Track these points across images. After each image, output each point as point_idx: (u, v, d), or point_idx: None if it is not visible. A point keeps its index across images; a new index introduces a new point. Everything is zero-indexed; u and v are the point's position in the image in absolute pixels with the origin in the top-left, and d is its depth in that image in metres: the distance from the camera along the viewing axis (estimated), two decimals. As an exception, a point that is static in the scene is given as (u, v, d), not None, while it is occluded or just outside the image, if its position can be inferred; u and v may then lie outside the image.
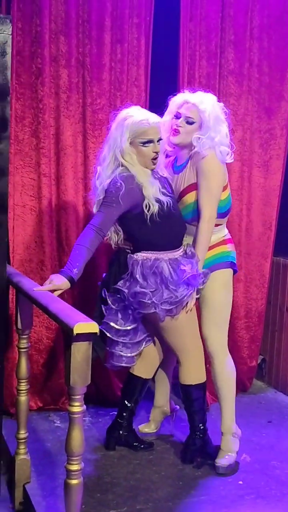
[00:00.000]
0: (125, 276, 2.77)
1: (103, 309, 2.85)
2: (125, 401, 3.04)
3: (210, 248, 2.87)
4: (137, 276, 2.71)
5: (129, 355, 2.87)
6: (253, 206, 3.79)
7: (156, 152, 2.70)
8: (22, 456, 2.65)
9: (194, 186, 2.83)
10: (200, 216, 2.79)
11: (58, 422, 3.36)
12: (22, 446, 2.66)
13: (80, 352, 1.96)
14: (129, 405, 3.02)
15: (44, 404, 3.51)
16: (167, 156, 2.99)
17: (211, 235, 2.84)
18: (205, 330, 2.92)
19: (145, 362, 3.02)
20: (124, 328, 2.82)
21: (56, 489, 2.57)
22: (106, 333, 2.81)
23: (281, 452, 3.10)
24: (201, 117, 2.78)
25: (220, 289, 2.91)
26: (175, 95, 2.93)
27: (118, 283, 2.77)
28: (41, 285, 2.74)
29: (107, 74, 3.39)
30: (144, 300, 2.69)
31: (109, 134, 2.74)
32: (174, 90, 3.50)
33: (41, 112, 3.28)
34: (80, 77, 3.37)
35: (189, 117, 2.81)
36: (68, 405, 2.03)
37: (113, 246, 2.89)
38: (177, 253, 2.78)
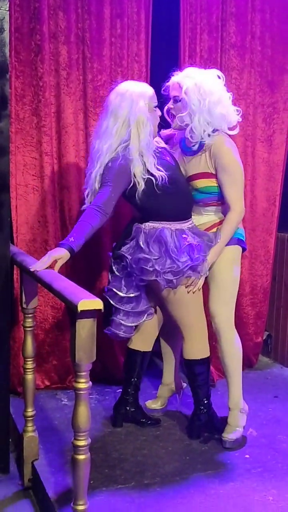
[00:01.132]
0: (128, 242, 2.80)
1: (109, 276, 2.89)
2: (128, 377, 3.05)
3: (216, 225, 2.88)
4: (141, 242, 2.74)
5: (128, 324, 2.89)
6: (257, 181, 3.76)
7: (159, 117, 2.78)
8: (30, 433, 2.68)
9: (209, 175, 2.81)
10: (231, 208, 2.80)
11: (66, 400, 3.39)
12: (29, 424, 2.68)
13: (85, 329, 1.97)
14: (132, 380, 3.04)
15: (51, 383, 3.53)
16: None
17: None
18: (213, 307, 2.92)
19: (143, 335, 3.03)
20: (127, 295, 2.84)
21: (64, 465, 2.60)
22: (109, 300, 2.85)
23: (287, 426, 3.12)
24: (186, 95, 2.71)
25: (227, 266, 2.89)
26: (175, 70, 2.88)
27: (122, 249, 2.81)
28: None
29: (107, 49, 3.34)
30: (146, 267, 2.70)
31: (111, 108, 2.69)
32: (175, 65, 3.46)
33: (41, 90, 3.24)
34: (80, 53, 3.33)
35: (175, 96, 2.78)
36: (74, 382, 2.04)
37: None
38: (185, 225, 2.80)
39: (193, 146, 2.82)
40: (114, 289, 2.86)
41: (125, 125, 2.67)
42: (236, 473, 2.65)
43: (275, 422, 3.17)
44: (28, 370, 2.65)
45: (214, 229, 2.88)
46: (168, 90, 2.83)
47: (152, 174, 2.68)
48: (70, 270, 3.44)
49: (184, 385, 3.29)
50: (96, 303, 1.93)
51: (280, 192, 3.81)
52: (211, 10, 3.50)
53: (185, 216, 2.83)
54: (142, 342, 3.04)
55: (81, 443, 2.04)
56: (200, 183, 2.85)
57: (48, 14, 3.21)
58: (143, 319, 2.94)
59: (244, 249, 2.99)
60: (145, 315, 2.94)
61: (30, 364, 2.65)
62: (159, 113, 2.79)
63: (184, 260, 2.70)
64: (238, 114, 2.83)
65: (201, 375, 2.92)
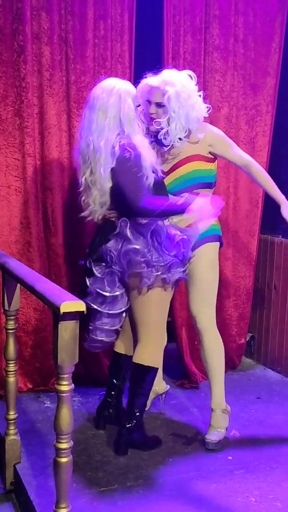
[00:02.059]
0: (111, 238, 2.71)
1: (88, 281, 2.77)
2: (113, 379, 3.04)
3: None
4: (128, 234, 2.66)
5: (111, 328, 2.80)
6: (240, 183, 3.78)
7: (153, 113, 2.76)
8: (12, 436, 2.66)
9: (193, 158, 2.83)
10: (250, 161, 2.90)
11: (48, 402, 3.37)
12: (11, 427, 2.66)
13: (68, 331, 1.95)
14: (116, 382, 3.03)
15: (34, 385, 3.51)
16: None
17: None
18: (194, 308, 2.92)
19: (126, 339, 3.01)
20: (112, 294, 2.74)
21: (46, 468, 2.58)
22: (91, 305, 2.72)
23: (270, 427, 3.14)
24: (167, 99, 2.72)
25: (207, 267, 2.90)
26: (156, 72, 2.85)
27: (106, 245, 2.71)
28: (29, 266, 2.73)
29: (90, 51, 3.34)
30: (136, 258, 2.63)
31: (99, 103, 2.63)
32: (159, 66, 3.46)
33: (24, 90, 3.23)
34: (63, 54, 3.32)
35: (158, 102, 2.76)
36: (56, 384, 2.03)
37: (96, 219, 2.80)
38: (166, 221, 2.76)
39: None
40: (98, 290, 2.74)
41: (115, 121, 2.63)
42: (219, 474, 2.65)
43: (258, 423, 3.18)
44: (10, 372, 2.63)
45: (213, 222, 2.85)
46: (147, 94, 2.79)
47: (154, 170, 2.66)
48: (54, 276, 3.43)
49: (168, 387, 3.29)
50: (79, 305, 1.92)
51: (262, 194, 3.83)
52: (195, 12, 3.51)
53: None
54: (128, 345, 3.01)
55: (63, 445, 2.03)
56: (188, 168, 2.82)
57: (31, 15, 3.20)
58: (123, 320, 2.86)
59: (221, 245, 2.99)
60: (123, 315, 2.86)
61: (12, 367, 2.63)
62: (140, 109, 2.77)
63: (170, 256, 2.68)
64: (208, 111, 2.87)
65: (145, 384, 2.80)
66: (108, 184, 2.66)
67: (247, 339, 4.12)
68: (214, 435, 2.90)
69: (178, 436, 3.01)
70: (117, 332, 2.90)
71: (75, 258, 3.47)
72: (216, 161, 2.93)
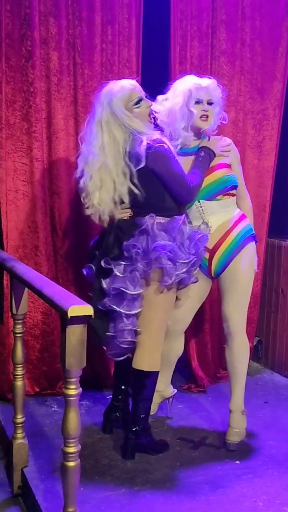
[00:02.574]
0: (135, 234, 2.69)
1: (103, 282, 2.72)
2: (118, 384, 3.04)
3: (237, 222, 2.92)
4: (156, 230, 2.67)
5: (133, 328, 2.74)
6: (247, 188, 3.76)
7: (150, 106, 2.76)
8: (20, 440, 2.66)
9: (225, 165, 2.94)
10: (247, 197, 3.08)
11: (56, 406, 3.37)
12: (19, 431, 2.67)
13: (75, 335, 1.96)
14: (123, 387, 3.02)
15: (41, 389, 3.52)
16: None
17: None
18: (228, 310, 2.93)
19: None
20: (136, 292, 2.67)
21: (54, 472, 2.59)
22: (111, 306, 2.70)
23: (278, 432, 3.12)
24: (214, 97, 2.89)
25: (248, 269, 2.93)
26: (169, 80, 2.91)
27: (130, 241, 2.68)
28: (36, 270, 2.74)
29: (98, 56, 3.35)
30: (166, 253, 2.62)
31: (95, 118, 2.69)
32: (166, 71, 3.49)
33: (32, 95, 3.24)
34: (71, 59, 3.34)
35: (209, 100, 2.87)
36: (64, 388, 2.03)
37: (102, 218, 2.77)
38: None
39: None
40: (122, 288, 2.65)
41: (122, 124, 2.66)
42: (226, 479, 2.64)
43: (265, 428, 3.17)
44: (17, 376, 2.64)
45: (242, 225, 2.92)
46: (196, 93, 2.85)
47: None
48: (61, 280, 3.44)
49: (175, 391, 3.28)
50: (87, 309, 1.92)
51: (270, 198, 3.83)
52: (202, 17, 3.52)
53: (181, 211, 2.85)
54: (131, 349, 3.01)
55: (71, 449, 2.03)
56: (220, 173, 2.90)
57: (39, 20, 3.22)
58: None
59: (256, 242, 3.04)
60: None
61: (19, 371, 2.64)
62: (144, 107, 2.73)
63: (193, 253, 2.72)
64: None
65: (146, 388, 2.79)
66: (126, 195, 2.69)
67: (255, 343, 4.11)
68: (235, 436, 2.90)
69: (186, 440, 3.00)
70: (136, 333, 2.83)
71: (82, 262, 3.48)
72: None
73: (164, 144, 2.66)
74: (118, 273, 2.69)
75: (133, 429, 2.78)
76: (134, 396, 2.83)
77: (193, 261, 2.74)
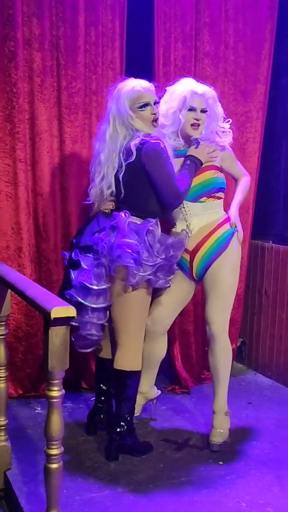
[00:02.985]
0: (106, 228, 2.73)
1: (72, 273, 2.74)
2: (100, 385, 3.03)
3: (220, 225, 2.93)
4: (126, 228, 2.68)
5: (98, 322, 2.76)
6: (230, 190, 3.78)
7: (155, 114, 2.77)
8: (2, 443, 2.64)
9: (213, 167, 2.94)
10: (244, 174, 3.14)
11: (39, 408, 3.36)
12: (2, 433, 2.65)
13: (58, 337, 1.95)
14: (104, 388, 3.02)
15: (25, 391, 3.50)
16: None
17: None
18: (211, 313, 2.93)
19: (108, 343, 2.99)
20: (99, 287, 2.70)
21: (37, 475, 2.57)
22: (76, 297, 2.70)
23: (261, 432, 3.14)
24: (208, 106, 2.92)
25: (230, 272, 2.94)
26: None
27: (99, 234, 2.73)
28: (20, 272, 2.73)
29: (81, 57, 3.35)
30: (128, 252, 2.63)
31: (107, 109, 2.79)
32: (150, 72, 3.49)
33: (15, 96, 3.23)
34: (54, 60, 3.33)
35: (203, 108, 2.90)
36: (47, 390, 2.02)
37: (97, 205, 2.88)
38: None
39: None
40: (85, 282, 2.68)
41: (125, 123, 2.73)
42: (210, 480, 2.65)
43: (249, 429, 3.18)
44: (0, 378, 2.62)
45: (225, 228, 2.93)
46: (190, 101, 2.88)
47: None
48: (45, 282, 3.43)
49: (159, 392, 3.28)
50: (70, 311, 1.92)
51: (253, 200, 3.85)
52: (185, 19, 3.53)
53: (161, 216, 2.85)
54: (109, 349, 2.99)
55: (54, 452, 2.02)
56: (208, 175, 2.92)
57: (22, 21, 3.21)
58: (107, 316, 2.82)
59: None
60: (107, 312, 2.82)
61: (2, 373, 2.62)
62: (153, 111, 2.76)
63: (162, 257, 2.71)
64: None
65: (129, 388, 2.79)
66: (107, 191, 2.78)
67: (238, 344, 4.13)
68: (218, 437, 2.91)
69: (169, 441, 3.01)
70: (103, 328, 2.87)
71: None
72: None
73: (160, 142, 2.68)
74: (84, 266, 2.73)
75: (117, 430, 2.78)
76: (117, 396, 2.83)
77: (159, 264, 2.71)
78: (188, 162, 2.85)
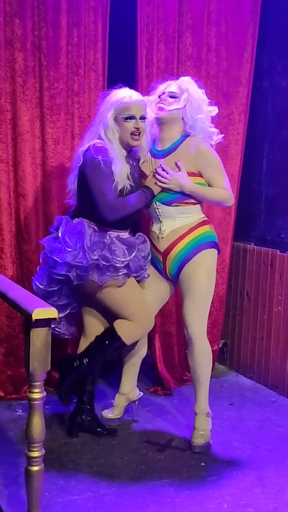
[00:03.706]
0: (52, 232, 2.92)
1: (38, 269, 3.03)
2: (82, 385, 3.02)
3: (193, 229, 2.91)
4: (59, 233, 2.82)
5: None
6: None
7: (137, 128, 2.80)
8: (-17, 445, 2.62)
9: (191, 173, 2.88)
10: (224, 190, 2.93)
11: (20, 411, 3.34)
12: (-18, 436, 2.63)
13: (40, 338, 1.95)
14: (86, 387, 3.02)
15: (6, 394, 3.47)
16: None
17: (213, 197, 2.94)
18: (187, 316, 2.93)
19: (89, 340, 3.01)
20: (47, 289, 2.88)
21: (18, 477, 2.55)
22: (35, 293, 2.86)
23: (242, 433, 3.15)
24: (183, 94, 2.88)
25: (204, 274, 2.92)
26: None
27: (44, 239, 2.95)
28: (1, 273, 2.72)
29: (64, 58, 3.34)
30: (57, 259, 2.76)
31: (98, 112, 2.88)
32: (133, 74, 3.49)
33: (-3, 96, 3.21)
34: (37, 61, 3.31)
35: (172, 92, 2.91)
36: (28, 392, 2.01)
37: None
38: (123, 233, 2.90)
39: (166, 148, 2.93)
40: (36, 282, 2.91)
41: (95, 129, 2.86)
42: (192, 481, 2.65)
43: (231, 430, 3.19)
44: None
45: (200, 231, 2.92)
46: (162, 88, 2.97)
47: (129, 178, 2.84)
48: (26, 283, 3.41)
49: (141, 394, 3.28)
50: (51, 312, 1.92)
51: (235, 202, 3.86)
52: (168, 21, 3.54)
53: (121, 226, 2.88)
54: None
55: (35, 454, 2.01)
56: None
57: (4, 21, 3.19)
58: (67, 312, 2.95)
59: (218, 252, 3.02)
60: (69, 309, 2.96)
61: (-17, 375, 2.60)
62: (137, 125, 2.80)
63: (95, 257, 2.73)
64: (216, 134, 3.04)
65: (104, 346, 2.91)
66: (72, 185, 2.92)
67: (220, 346, 4.14)
68: (200, 438, 2.92)
69: (151, 443, 3.00)
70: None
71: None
72: None
73: (99, 156, 2.72)
74: (42, 263, 2.99)
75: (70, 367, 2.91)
76: (92, 346, 2.93)
77: (92, 264, 2.74)
78: (140, 190, 2.87)
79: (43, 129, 3.36)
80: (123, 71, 3.55)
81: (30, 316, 1.87)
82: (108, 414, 3.18)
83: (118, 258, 2.78)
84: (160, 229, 2.94)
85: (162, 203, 2.90)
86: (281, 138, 3.82)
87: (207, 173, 2.90)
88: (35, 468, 2.02)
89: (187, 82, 2.95)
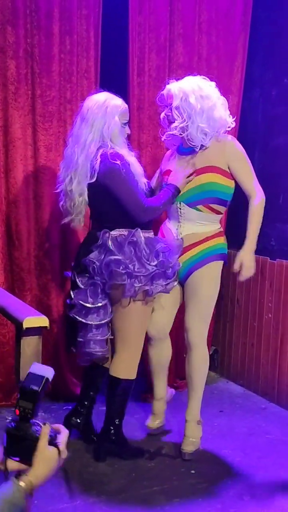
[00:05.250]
0: (94, 249, 2.73)
1: (72, 294, 2.80)
2: (88, 390, 3.02)
3: (208, 238, 2.92)
4: (110, 245, 2.68)
5: (102, 338, 2.79)
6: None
7: (128, 133, 2.85)
8: (-27, 453, 2.61)
9: (216, 169, 2.83)
10: (255, 194, 2.90)
11: (10, 418, 3.32)
12: (-28, 444, 2.61)
13: (30, 347, 1.95)
14: (90, 393, 3.02)
15: (-4, 401, 3.47)
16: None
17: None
18: (189, 322, 2.94)
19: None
20: (95, 305, 2.73)
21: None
22: (76, 317, 2.76)
23: (232, 440, 3.16)
24: (184, 112, 2.80)
25: (210, 282, 2.94)
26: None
27: (89, 256, 2.73)
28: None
29: (56, 65, 3.35)
30: (117, 269, 2.64)
31: (88, 116, 2.72)
32: (125, 82, 3.51)
33: (-11, 103, 3.22)
34: (29, 68, 3.32)
35: (169, 115, 2.86)
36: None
37: (77, 226, 2.94)
38: (151, 234, 2.84)
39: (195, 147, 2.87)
40: (81, 302, 2.74)
41: (98, 136, 2.70)
42: (182, 489, 2.66)
43: (221, 437, 3.20)
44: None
45: (213, 242, 2.91)
46: (166, 98, 2.89)
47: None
48: (17, 290, 3.41)
49: (173, 391, 3.33)
50: (42, 321, 1.92)
51: (226, 210, 3.88)
52: (159, 30, 3.57)
53: (148, 226, 2.84)
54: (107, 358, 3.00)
55: (25, 462, 2.00)
56: (206, 178, 2.83)
57: (-3, 28, 3.20)
58: (110, 331, 2.85)
59: (225, 263, 3.03)
60: (109, 325, 2.85)
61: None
62: (128, 130, 2.83)
63: (152, 265, 2.70)
64: (233, 120, 2.93)
65: (121, 395, 2.86)
66: (79, 198, 2.74)
67: (211, 353, 4.13)
68: (190, 446, 2.92)
69: (142, 450, 3.00)
70: (107, 342, 2.89)
71: (39, 272, 3.47)
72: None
73: (118, 161, 2.65)
74: (81, 285, 2.77)
75: (106, 434, 2.84)
76: (108, 401, 2.87)
77: (153, 273, 2.71)
78: (165, 187, 2.87)
79: (35, 136, 3.37)
80: (115, 79, 3.57)
81: (21, 324, 1.87)
82: (151, 424, 3.18)
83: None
84: (177, 229, 2.93)
85: (186, 204, 2.87)
86: (271, 147, 3.85)
87: (235, 166, 2.86)
88: (25, 477, 2.01)
89: (183, 85, 2.84)
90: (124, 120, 2.78)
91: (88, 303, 2.73)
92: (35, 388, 1.36)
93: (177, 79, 2.97)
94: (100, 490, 2.60)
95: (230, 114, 2.94)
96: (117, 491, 2.61)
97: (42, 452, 1.33)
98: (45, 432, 1.35)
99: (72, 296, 2.79)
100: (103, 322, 2.77)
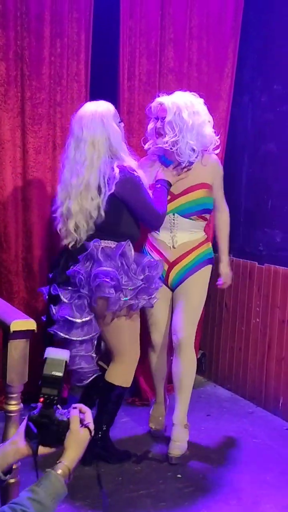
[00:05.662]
0: (80, 259, 2.64)
1: (53, 309, 2.68)
2: (90, 394, 2.97)
3: (200, 244, 3.05)
4: (99, 256, 2.61)
5: (87, 354, 2.73)
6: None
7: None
8: None
9: (206, 185, 3.00)
10: (223, 208, 3.17)
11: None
12: None
13: (17, 350, 1.94)
14: (94, 397, 2.97)
15: (-18, 404, 3.44)
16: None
17: None
18: (179, 324, 2.98)
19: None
20: (83, 320, 2.65)
21: (-7, 489, 2.53)
22: (59, 333, 2.66)
23: (220, 445, 3.17)
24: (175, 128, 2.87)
25: (203, 288, 3.06)
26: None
27: (74, 267, 2.63)
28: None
29: (46, 68, 3.35)
30: (107, 281, 2.56)
31: (85, 136, 2.65)
32: (115, 86, 3.52)
33: (-22, 105, 3.21)
34: (19, 71, 3.31)
35: (163, 117, 2.90)
36: (4, 404, 2.00)
37: (77, 245, 2.73)
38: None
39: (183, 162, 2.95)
40: (67, 317, 2.62)
41: (104, 150, 2.64)
42: (168, 493, 2.66)
43: (208, 441, 3.21)
44: None
45: (203, 248, 3.05)
46: (156, 111, 2.95)
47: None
48: (5, 293, 3.40)
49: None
50: (29, 324, 1.92)
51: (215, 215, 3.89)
52: (150, 35, 3.58)
53: (138, 237, 2.86)
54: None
55: (11, 466, 2.00)
56: (198, 194, 2.98)
57: (-13, 30, 3.19)
58: (95, 345, 2.78)
59: (212, 266, 3.16)
60: (95, 342, 2.78)
61: None
62: (121, 127, 2.81)
63: (140, 278, 2.69)
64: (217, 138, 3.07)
65: (113, 402, 2.85)
66: (95, 212, 2.65)
67: (198, 357, 4.14)
68: (177, 450, 2.92)
69: (129, 454, 2.99)
70: (98, 357, 2.86)
71: (27, 275, 3.46)
72: None
73: (135, 172, 2.66)
74: (65, 300, 2.66)
75: (94, 438, 2.76)
76: (100, 406, 2.86)
77: (140, 287, 2.67)
78: (159, 185, 2.90)
79: (24, 138, 3.36)
80: (105, 82, 3.58)
81: (8, 327, 1.87)
82: (153, 425, 3.23)
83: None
84: (172, 239, 3.01)
85: (180, 215, 2.97)
86: (260, 152, 3.87)
87: (216, 183, 3.07)
88: (11, 480, 2.00)
89: (176, 99, 2.90)
90: (118, 119, 2.77)
91: (75, 317, 2.64)
92: (58, 374, 1.38)
93: (168, 94, 3.03)
94: (85, 494, 2.60)
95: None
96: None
97: (76, 435, 1.38)
98: (75, 415, 1.38)
99: (54, 311, 2.68)
100: (86, 338, 2.70)
